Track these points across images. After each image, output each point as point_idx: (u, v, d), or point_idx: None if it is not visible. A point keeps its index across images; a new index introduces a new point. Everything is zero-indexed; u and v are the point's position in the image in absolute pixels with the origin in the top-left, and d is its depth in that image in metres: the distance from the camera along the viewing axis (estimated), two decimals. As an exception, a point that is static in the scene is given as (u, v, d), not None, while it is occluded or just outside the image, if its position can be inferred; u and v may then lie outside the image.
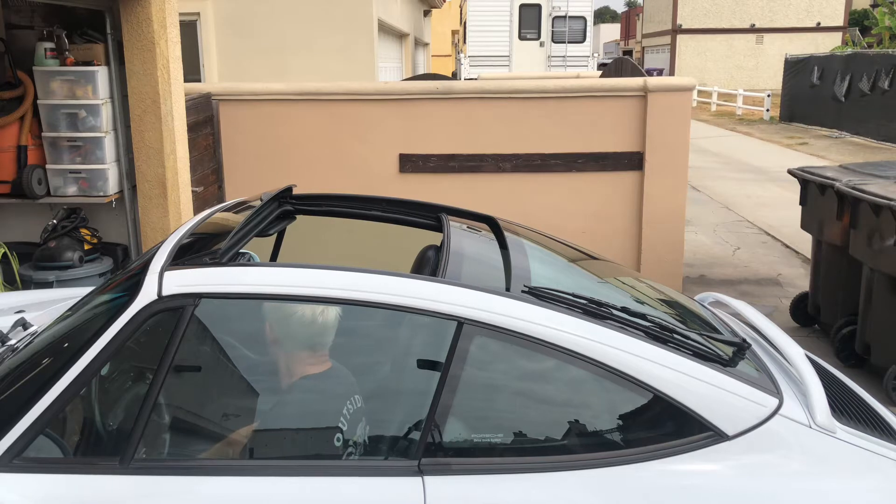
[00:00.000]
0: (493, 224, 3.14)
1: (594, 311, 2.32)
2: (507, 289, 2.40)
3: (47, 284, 4.71)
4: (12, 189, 4.92)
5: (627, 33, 61.38)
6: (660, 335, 2.30)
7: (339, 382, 2.43)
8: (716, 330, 2.73)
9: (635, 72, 9.31)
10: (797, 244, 8.66)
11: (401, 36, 16.45)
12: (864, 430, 2.29)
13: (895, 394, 4.72)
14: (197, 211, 5.38)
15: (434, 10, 23.89)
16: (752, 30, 39.74)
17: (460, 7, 33.34)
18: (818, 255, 5.86)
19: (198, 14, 10.27)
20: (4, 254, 4.76)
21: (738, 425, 2.16)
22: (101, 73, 4.95)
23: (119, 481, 2.10)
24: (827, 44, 36.56)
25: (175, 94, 4.94)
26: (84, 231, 4.97)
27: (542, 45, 20.82)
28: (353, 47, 10.71)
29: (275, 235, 3.13)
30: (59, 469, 2.13)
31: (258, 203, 2.95)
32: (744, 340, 2.51)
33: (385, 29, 13.17)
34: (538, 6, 20.65)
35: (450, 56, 35.68)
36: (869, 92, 19.12)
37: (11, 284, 4.75)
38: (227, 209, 3.08)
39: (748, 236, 9.37)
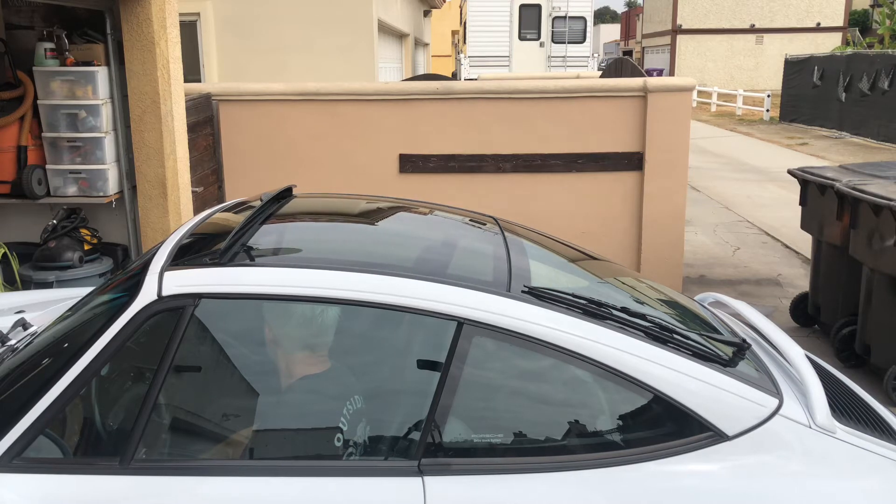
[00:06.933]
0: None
1: (594, 311, 2.32)
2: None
3: (47, 284, 4.71)
4: (12, 189, 4.92)
5: (627, 33, 61.36)
6: (659, 335, 2.30)
7: (339, 382, 2.42)
8: (716, 330, 2.73)
9: (635, 72, 9.31)
10: (797, 244, 8.66)
11: (401, 36, 16.45)
12: (864, 431, 2.29)
13: (895, 394, 4.72)
14: (197, 211, 5.37)
15: (434, 11, 23.89)
16: (752, 30, 39.73)
17: (460, 7, 33.34)
18: (818, 255, 5.86)
19: (198, 14, 10.28)
20: (4, 254, 4.76)
21: (737, 425, 2.16)
22: (101, 74, 4.95)
23: (119, 481, 2.10)
24: (827, 44, 36.56)
25: (175, 94, 4.94)
26: (84, 231, 4.97)
27: (542, 45, 20.82)
28: (353, 47, 10.72)
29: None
30: (59, 469, 2.13)
31: (258, 203, 2.95)
32: (744, 340, 2.51)
33: (385, 29, 13.17)
34: (538, 6, 20.66)
35: (450, 56, 35.67)
36: (869, 92, 19.12)
37: (11, 284, 4.75)
38: (227, 209, 3.08)
39: (748, 236, 9.37)
